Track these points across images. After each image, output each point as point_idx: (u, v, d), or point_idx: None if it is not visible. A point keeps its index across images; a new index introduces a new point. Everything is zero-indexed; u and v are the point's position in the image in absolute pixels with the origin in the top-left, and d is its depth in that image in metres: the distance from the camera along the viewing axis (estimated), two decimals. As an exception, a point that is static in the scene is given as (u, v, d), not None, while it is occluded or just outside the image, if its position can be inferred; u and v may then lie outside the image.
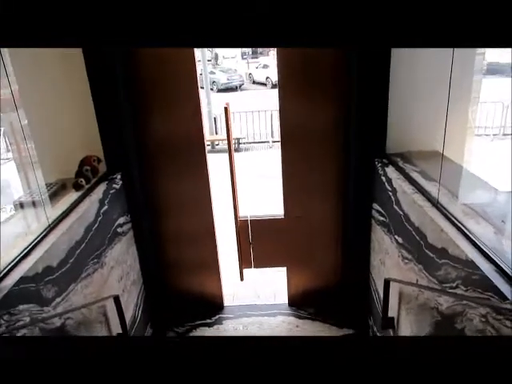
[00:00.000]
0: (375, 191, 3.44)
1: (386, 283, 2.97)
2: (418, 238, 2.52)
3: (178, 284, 4.31)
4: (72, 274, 2.56)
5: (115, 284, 3.26)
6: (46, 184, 3.11)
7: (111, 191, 3.32)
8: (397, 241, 2.92)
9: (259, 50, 30.19)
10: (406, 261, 2.74)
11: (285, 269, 4.33)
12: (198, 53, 12.92)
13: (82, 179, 3.16)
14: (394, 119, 3.35)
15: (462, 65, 3.11)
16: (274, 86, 18.37)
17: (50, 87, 3.24)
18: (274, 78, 19.17)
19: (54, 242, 2.40)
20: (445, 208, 2.34)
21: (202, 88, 12.52)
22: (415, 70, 3.23)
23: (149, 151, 3.78)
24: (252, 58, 27.73)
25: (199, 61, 13.64)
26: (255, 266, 4.24)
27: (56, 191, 3.14)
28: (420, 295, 2.51)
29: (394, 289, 2.97)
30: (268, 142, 11.05)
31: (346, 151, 3.68)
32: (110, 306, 3.10)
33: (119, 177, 3.52)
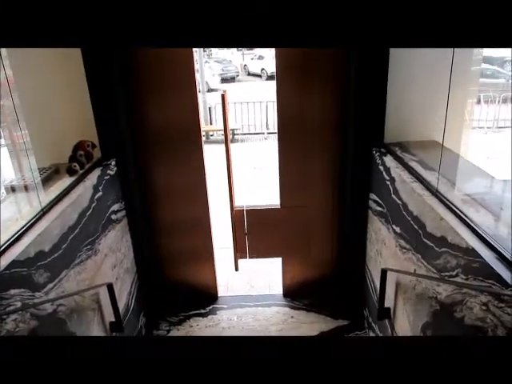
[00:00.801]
0: (372, 181, 3.41)
1: (383, 273, 2.96)
2: (416, 227, 2.50)
3: (172, 273, 4.27)
4: (65, 259, 2.51)
5: (109, 272, 3.21)
6: (39, 168, 3.07)
7: (105, 177, 3.26)
8: (394, 231, 2.90)
9: (255, 41, 29.96)
10: (404, 250, 2.72)
11: (280, 259, 4.31)
12: (194, 43, 12.79)
13: (76, 164, 3.10)
14: (392, 108, 3.32)
15: (462, 57, 3.08)
16: (269, 78, 18.29)
17: (45, 71, 3.17)
18: (270, 69, 19.11)
19: (47, 226, 2.34)
20: (444, 196, 2.32)
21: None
22: (414, 58, 3.20)
23: (144, 138, 3.72)
24: (247, 49, 27.55)
25: (195, 51, 13.51)
26: (250, 257, 4.20)
27: (49, 176, 3.09)
28: (418, 285, 2.50)
29: (390, 279, 2.95)
30: (263, 133, 10.99)
31: (344, 141, 3.65)
32: (104, 294, 3.05)
33: (114, 163, 3.46)
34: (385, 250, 3.16)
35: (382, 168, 3.14)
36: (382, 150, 3.28)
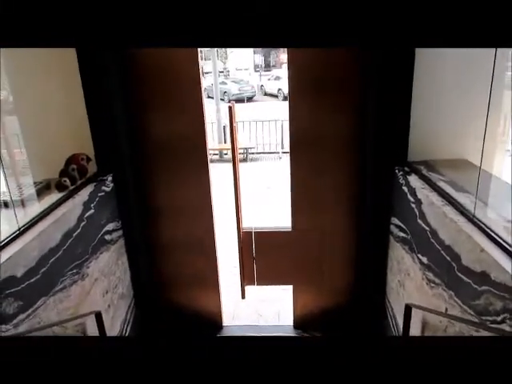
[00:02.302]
0: (395, 203, 3.06)
1: (407, 309, 2.57)
2: (448, 258, 2.13)
3: (173, 299, 3.93)
4: (43, 285, 2.21)
5: (99, 298, 2.90)
6: (33, 183, 2.85)
7: (100, 194, 2.99)
8: (421, 261, 2.53)
9: (272, 62, 30.20)
10: (433, 285, 2.34)
11: (291, 287, 3.94)
12: (210, 65, 12.72)
13: (67, 179, 2.83)
14: (417, 124, 3.00)
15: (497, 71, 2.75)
16: (285, 98, 18.05)
17: (40, 79, 2.96)
18: (286, 89, 18.90)
19: (21, 248, 2.05)
20: (483, 223, 1.95)
21: (212, 98, 12.33)
22: (442, 68, 2.88)
23: (145, 153, 3.45)
24: (265, 70, 27.66)
25: (209, 72, 13.49)
26: (258, 283, 3.85)
27: (39, 191, 2.83)
28: (450, 327, 2.11)
29: (416, 316, 2.56)
30: (278, 152, 10.70)
31: (362, 159, 3.31)
32: (91, 324, 2.73)
33: (110, 178, 3.19)
34: (409, 282, 2.78)
35: (405, 189, 2.79)
36: (406, 168, 2.94)
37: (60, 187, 2.78)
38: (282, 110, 13.82)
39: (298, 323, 4.04)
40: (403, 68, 2.91)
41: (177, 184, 3.56)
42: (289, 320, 4.08)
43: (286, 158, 10.10)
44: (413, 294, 2.70)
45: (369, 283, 3.48)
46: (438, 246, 2.26)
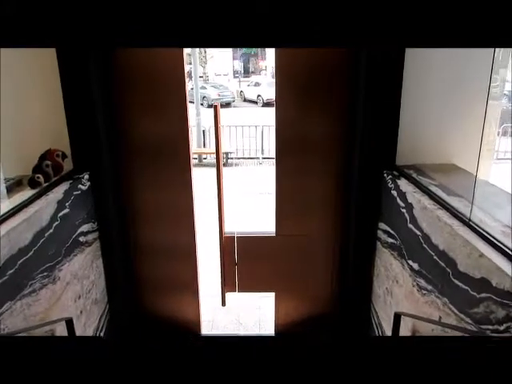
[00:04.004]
0: (382, 208, 2.99)
1: (396, 318, 2.49)
2: (442, 263, 2.06)
3: (149, 305, 3.75)
4: (9, 289, 2.02)
5: (70, 303, 2.71)
6: (3, 179, 2.65)
7: (75, 192, 2.81)
8: (411, 267, 2.46)
9: (251, 69, 30.26)
10: (425, 292, 2.26)
11: (273, 294, 3.81)
12: (189, 67, 12.61)
13: (40, 176, 2.64)
14: (406, 127, 2.95)
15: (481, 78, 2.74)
16: (265, 105, 18.13)
17: (18, 74, 2.78)
18: (265, 96, 19.01)
19: (-14, 247, 1.87)
20: (481, 227, 1.89)
21: (192, 102, 12.20)
22: (432, 70, 2.85)
23: (126, 153, 3.29)
24: (244, 76, 27.68)
25: (190, 77, 13.38)
26: (240, 290, 3.71)
27: (9, 188, 2.63)
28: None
29: (404, 325, 2.48)
30: (258, 158, 10.60)
31: (349, 162, 3.24)
32: (61, 331, 2.54)
33: (87, 177, 3.01)
34: (397, 289, 2.70)
35: (395, 193, 2.72)
36: (395, 172, 2.87)
37: (33, 184, 2.60)
38: (261, 115, 13.80)
39: (279, 332, 3.90)
40: (392, 71, 2.86)
41: (158, 186, 3.41)
42: (270, 328, 3.96)
43: (267, 164, 10.02)
44: (401, 301, 2.62)
45: (354, 291, 3.40)
46: (430, 251, 2.19)
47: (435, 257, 2.14)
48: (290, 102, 3.19)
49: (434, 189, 2.44)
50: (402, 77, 2.85)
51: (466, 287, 1.82)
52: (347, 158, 3.24)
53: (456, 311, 1.91)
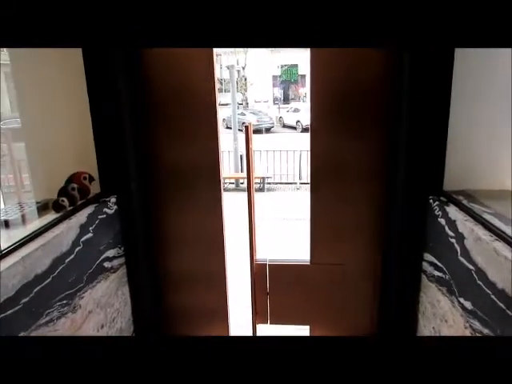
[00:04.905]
0: (428, 237, 2.71)
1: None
2: (502, 304, 1.77)
3: (178, 334, 3.58)
4: (23, 318, 1.91)
5: (92, 333, 2.58)
6: (23, 203, 2.64)
7: (100, 216, 2.72)
8: (463, 306, 2.16)
9: (291, 95, 30.45)
10: (479, 335, 1.96)
11: (307, 327, 3.55)
12: (229, 97, 12.76)
13: (65, 198, 2.57)
14: (453, 150, 2.69)
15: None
16: (304, 130, 18.10)
17: (48, 98, 2.81)
18: (305, 121, 18.99)
19: (-2, 274, 1.77)
20: (549, 264, 1.61)
21: (230, 128, 12.29)
22: (482, 91, 2.59)
23: (155, 177, 3.20)
24: (284, 103, 27.86)
25: (228, 104, 13.56)
26: (271, 322, 3.49)
27: (33, 212, 2.59)
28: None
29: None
30: (295, 183, 10.41)
31: (391, 187, 2.99)
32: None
33: (114, 200, 2.92)
34: (446, 329, 2.39)
35: (443, 221, 2.44)
36: (442, 198, 2.60)
37: (57, 207, 2.53)
38: (300, 141, 13.68)
39: (314, 369, 3.62)
40: (438, 88, 2.63)
41: (187, 212, 3.29)
42: (304, 365, 3.67)
43: (304, 189, 9.79)
44: (452, 344, 2.31)
45: (396, 328, 3.08)
46: (487, 289, 1.90)
47: (492, 296, 1.85)
48: (326, 127, 3.02)
49: (488, 217, 2.16)
50: (450, 94, 2.62)
51: (534, 335, 1.53)
52: (389, 183, 3.00)
53: (521, 363, 1.62)
